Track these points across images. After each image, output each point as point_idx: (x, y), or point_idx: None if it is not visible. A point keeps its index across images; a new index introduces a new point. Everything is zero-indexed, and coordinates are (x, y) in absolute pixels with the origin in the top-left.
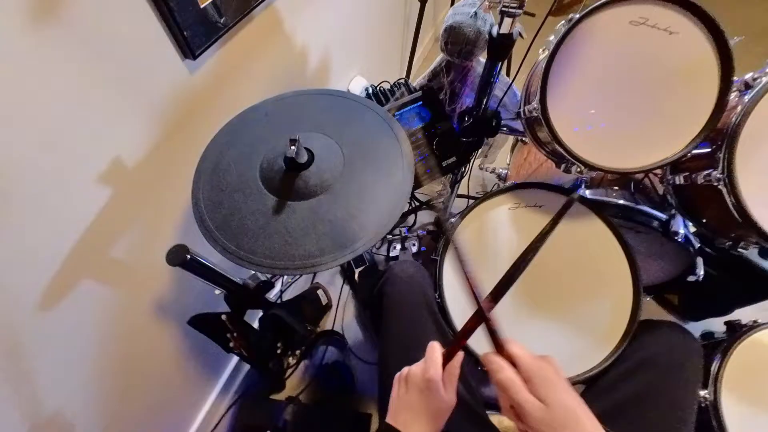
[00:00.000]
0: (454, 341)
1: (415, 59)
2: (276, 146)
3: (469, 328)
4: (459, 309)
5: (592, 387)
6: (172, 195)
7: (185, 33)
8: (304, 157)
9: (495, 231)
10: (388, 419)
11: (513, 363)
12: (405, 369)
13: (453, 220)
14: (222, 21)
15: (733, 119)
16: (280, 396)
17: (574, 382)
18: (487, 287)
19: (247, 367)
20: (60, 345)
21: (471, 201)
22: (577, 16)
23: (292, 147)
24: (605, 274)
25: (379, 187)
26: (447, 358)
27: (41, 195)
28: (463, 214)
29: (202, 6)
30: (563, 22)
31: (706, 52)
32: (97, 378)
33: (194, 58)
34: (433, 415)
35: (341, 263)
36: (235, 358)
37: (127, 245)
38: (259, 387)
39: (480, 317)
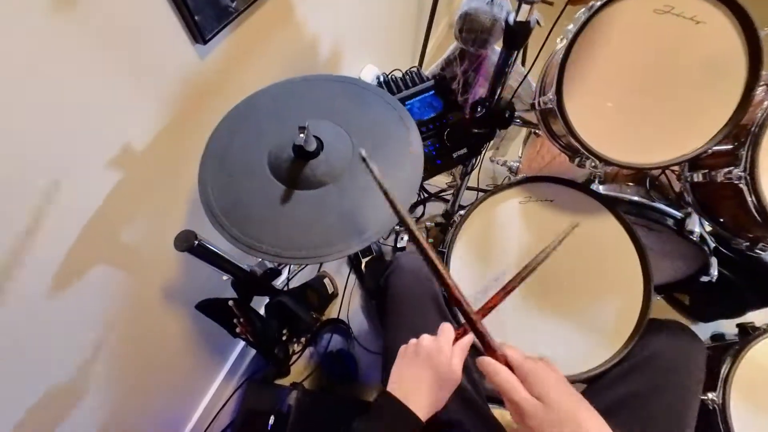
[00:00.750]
0: (466, 321)
1: (428, 47)
2: (284, 133)
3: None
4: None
5: (595, 383)
6: (181, 180)
7: (196, 18)
8: (313, 145)
9: (504, 225)
10: (389, 388)
11: (508, 365)
12: (412, 341)
13: (462, 212)
14: (234, 5)
15: (759, 115)
16: (285, 381)
17: (580, 380)
18: (491, 284)
19: (253, 351)
20: (71, 326)
21: (480, 194)
22: (599, 3)
23: (301, 135)
24: (616, 272)
25: (388, 179)
26: (458, 337)
27: (53, 179)
28: (473, 206)
29: None
30: (583, 9)
31: (734, 44)
32: (106, 359)
33: (205, 42)
34: (437, 385)
35: (347, 254)
36: (242, 342)
37: (137, 230)
38: (264, 371)
39: (470, 321)
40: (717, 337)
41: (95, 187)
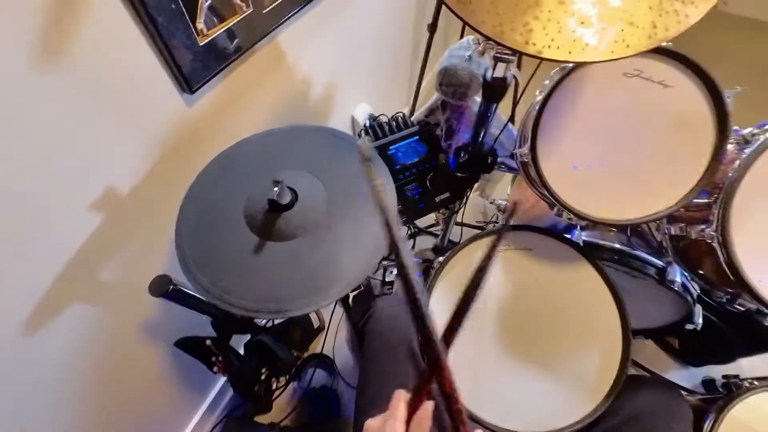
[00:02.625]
0: (416, 388)
1: (423, 86)
2: (261, 183)
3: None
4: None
5: None
6: (162, 223)
7: (183, 70)
8: (286, 199)
9: None
10: None
11: None
12: (366, 423)
13: (440, 259)
14: (225, 51)
15: (731, 174)
16: (267, 418)
17: None
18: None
19: None
20: (44, 361)
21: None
22: (570, 65)
23: (275, 188)
24: (594, 324)
25: (360, 233)
26: (412, 409)
27: (35, 218)
28: (452, 252)
29: (201, 44)
30: (557, 69)
31: (701, 106)
32: (81, 393)
33: (192, 92)
34: None
35: (315, 309)
36: (223, 378)
37: (116, 269)
38: (245, 408)
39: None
40: (708, 384)
41: (77, 226)
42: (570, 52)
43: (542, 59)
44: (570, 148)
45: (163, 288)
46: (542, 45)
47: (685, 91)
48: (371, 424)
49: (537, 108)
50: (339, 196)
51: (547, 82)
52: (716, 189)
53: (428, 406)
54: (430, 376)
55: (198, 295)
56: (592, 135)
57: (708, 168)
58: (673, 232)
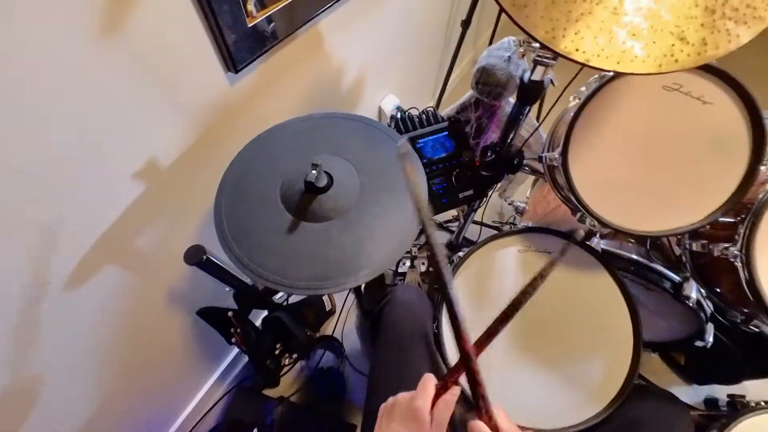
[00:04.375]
0: (448, 374)
1: (450, 80)
2: (298, 166)
3: (466, 363)
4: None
5: None
6: (197, 197)
7: (230, 49)
8: (323, 182)
9: (501, 272)
10: None
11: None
12: (390, 399)
13: (460, 254)
14: (270, 34)
15: (761, 196)
16: (274, 392)
17: None
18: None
19: (246, 358)
20: (79, 317)
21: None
22: (610, 74)
23: (314, 171)
24: (606, 331)
25: (390, 220)
26: (440, 392)
27: (82, 185)
28: (472, 249)
29: (249, 25)
30: (596, 77)
31: (739, 125)
32: (104, 349)
33: (236, 71)
34: None
35: (343, 290)
36: (236, 349)
37: (152, 237)
38: (254, 380)
39: (468, 363)
40: (710, 402)
41: (119, 195)
42: (618, 63)
43: (590, 67)
44: (601, 156)
45: (197, 257)
46: (591, 53)
47: (724, 109)
48: (399, 397)
49: (572, 114)
50: (371, 184)
51: (583, 88)
52: (744, 209)
53: (455, 391)
54: (461, 362)
55: (228, 268)
56: (624, 145)
57: (738, 188)
58: (694, 248)
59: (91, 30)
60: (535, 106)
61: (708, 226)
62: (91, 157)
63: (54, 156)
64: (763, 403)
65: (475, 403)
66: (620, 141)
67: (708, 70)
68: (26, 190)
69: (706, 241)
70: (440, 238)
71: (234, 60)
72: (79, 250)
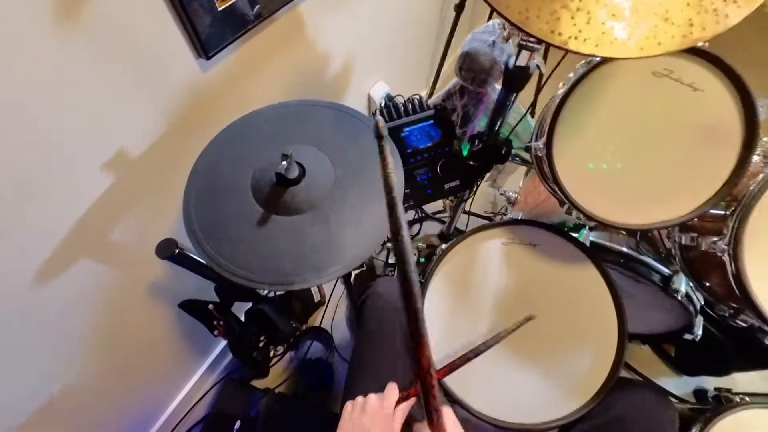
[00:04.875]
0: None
1: (444, 68)
2: (270, 156)
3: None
4: (436, 337)
5: None
6: (172, 189)
7: (200, 34)
8: (294, 173)
9: (485, 264)
10: None
11: None
12: (359, 399)
13: (443, 246)
14: (245, 17)
15: (752, 188)
16: (263, 383)
17: (541, 430)
18: (464, 321)
19: None
20: (54, 316)
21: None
22: (597, 59)
23: (284, 162)
24: (591, 325)
25: (364, 213)
26: (402, 398)
27: (49, 176)
28: (456, 241)
29: (220, 8)
30: (583, 62)
31: (731, 113)
32: (86, 346)
33: (208, 58)
34: None
35: (314, 285)
36: (223, 341)
37: (126, 230)
38: (242, 371)
39: (423, 376)
40: (699, 394)
41: (89, 186)
42: (597, 45)
43: (567, 50)
44: (587, 146)
45: (169, 251)
46: (568, 35)
47: (716, 96)
48: (372, 397)
49: (557, 101)
50: (346, 176)
51: (571, 75)
52: (734, 201)
53: (409, 403)
54: (417, 373)
55: (203, 261)
56: (611, 134)
57: (729, 179)
58: (683, 241)
59: (48, 16)
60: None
61: (697, 219)
62: (56, 148)
63: (17, 146)
64: (747, 399)
65: (428, 415)
66: (607, 130)
67: (700, 54)
68: None
69: (695, 234)
70: (432, 228)
71: (204, 46)
72: (49, 244)
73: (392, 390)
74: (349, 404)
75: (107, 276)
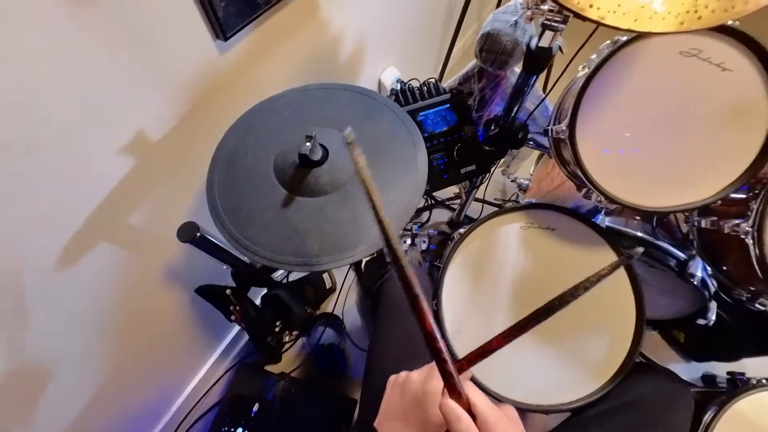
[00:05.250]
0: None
1: (453, 52)
2: (293, 139)
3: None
4: (455, 321)
5: (575, 418)
6: (190, 171)
7: (218, 14)
8: (318, 155)
9: (503, 248)
10: (376, 424)
11: (470, 411)
12: (403, 373)
13: (461, 231)
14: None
15: None
16: (276, 368)
17: (556, 411)
18: (485, 306)
19: (247, 335)
20: (73, 297)
21: (485, 207)
22: (624, 38)
23: (308, 143)
24: (610, 308)
25: (387, 194)
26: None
27: (69, 159)
28: (474, 225)
29: None
30: (608, 42)
31: (759, 95)
32: (105, 330)
33: (225, 39)
34: (424, 429)
35: (339, 266)
36: (237, 327)
37: (145, 214)
38: (256, 357)
39: (439, 359)
40: (707, 379)
41: (108, 169)
42: (636, 20)
43: (605, 25)
44: (610, 129)
45: (190, 234)
46: (607, 10)
47: (744, 77)
48: (413, 375)
49: (581, 83)
50: (368, 157)
51: (594, 56)
52: (758, 184)
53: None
54: (425, 341)
55: (223, 245)
56: (636, 116)
57: (754, 162)
58: (703, 225)
59: None
60: (542, 78)
61: (719, 202)
62: (75, 131)
63: (37, 129)
64: (764, 381)
65: (444, 381)
66: (632, 112)
67: (730, 33)
68: (9, 164)
69: (716, 218)
70: (441, 216)
71: (223, 27)
72: (69, 227)
73: (434, 369)
74: (392, 379)
75: (126, 260)
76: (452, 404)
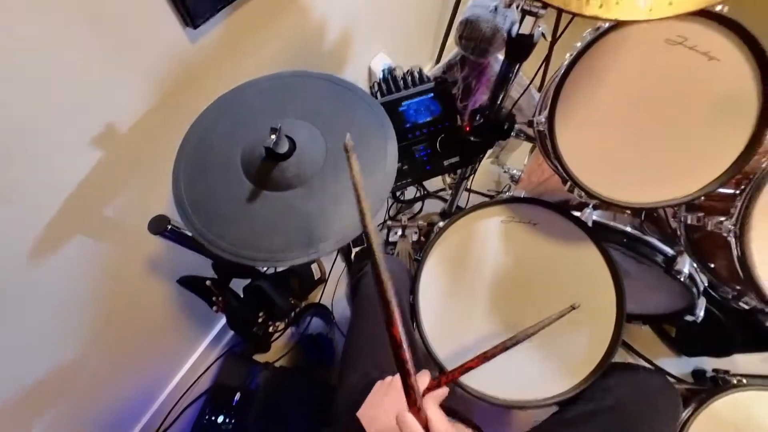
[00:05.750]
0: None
1: (450, 39)
2: (262, 130)
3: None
4: (431, 315)
5: (556, 419)
6: (163, 162)
7: (186, 1)
8: (284, 148)
9: (483, 242)
10: (360, 412)
11: (427, 428)
12: (388, 378)
13: (441, 224)
14: None
15: (764, 165)
16: (264, 357)
17: (532, 407)
18: (463, 300)
19: None
20: (51, 294)
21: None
22: (606, 25)
23: (273, 136)
24: (589, 305)
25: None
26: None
27: (37, 151)
28: (453, 218)
29: None
30: (590, 30)
31: (748, 85)
32: (88, 323)
33: (195, 27)
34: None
35: (303, 261)
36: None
37: (120, 206)
38: (244, 346)
39: (396, 351)
40: (698, 374)
41: (78, 162)
42: (601, 6)
43: (565, 11)
44: (592, 120)
45: (160, 227)
46: None
47: (733, 67)
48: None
49: (561, 72)
50: (338, 151)
51: (578, 44)
52: (744, 180)
53: (442, 390)
54: (391, 348)
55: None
56: (619, 107)
57: (740, 156)
58: (689, 221)
59: None
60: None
61: (704, 198)
62: (42, 120)
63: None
64: (744, 380)
65: (405, 394)
66: (615, 102)
67: (718, 20)
68: None
69: (702, 214)
70: (434, 206)
71: (191, 14)
72: (41, 220)
73: (422, 376)
74: (378, 383)
75: (104, 252)
76: (409, 418)
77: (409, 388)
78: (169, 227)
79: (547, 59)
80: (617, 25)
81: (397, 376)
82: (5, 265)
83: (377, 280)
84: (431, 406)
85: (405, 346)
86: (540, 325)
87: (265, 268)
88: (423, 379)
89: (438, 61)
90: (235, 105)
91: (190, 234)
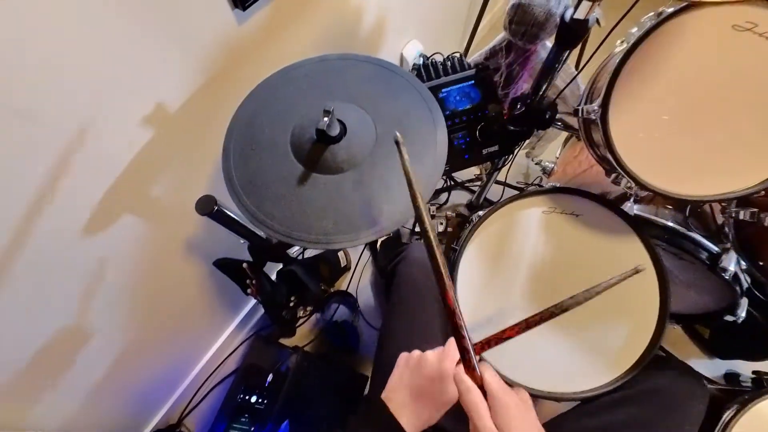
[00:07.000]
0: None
1: (481, 26)
2: (310, 112)
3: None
4: (470, 303)
5: (583, 406)
6: (211, 144)
7: None
8: (336, 131)
9: (523, 233)
10: (384, 396)
11: (482, 388)
12: (416, 352)
13: (480, 213)
14: None
15: None
16: (290, 342)
17: (569, 400)
18: (501, 291)
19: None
20: (97, 265)
21: (506, 191)
22: (669, 10)
23: (325, 119)
24: (633, 299)
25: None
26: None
27: (89, 130)
28: (494, 208)
29: None
30: (651, 14)
31: None
32: (127, 298)
33: (244, 9)
34: (434, 405)
35: (355, 245)
36: (253, 300)
37: (165, 186)
38: (271, 329)
39: (458, 333)
40: (730, 377)
41: (129, 140)
42: None
43: None
44: (647, 110)
45: (208, 207)
46: None
47: None
48: (429, 355)
49: (618, 59)
50: (387, 135)
51: (634, 29)
52: None
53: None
54: (446, 315)
55: (240, 220)
56: (678, 96)
57: None
58: (741, 216)
59: None
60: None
61: (763, 193)
62: (93, 102)
63: (56, 98)
64: None
65: (461, 356)
66: (674, 91)
67: None
68: (32, 133)
69: (756, 209)
70: (460, 198)
71: None
72: (92, 198)
73: (452, 347)
74: (404, 356)
75: (149, 232)
76: (465, 376)
77: (464, 351)
78: (216, 208)
79: (600, 46)
80: (681, 10)
81: (427, 353)
82: (62, 235)
83: (431, 255)
84: (487, 368)
85: (459, 312)
86: (596, 290)
87: (297, 254)
88: (452, 350)
89: (468, 47)
90: (283, 86)
91: (234, 216)
